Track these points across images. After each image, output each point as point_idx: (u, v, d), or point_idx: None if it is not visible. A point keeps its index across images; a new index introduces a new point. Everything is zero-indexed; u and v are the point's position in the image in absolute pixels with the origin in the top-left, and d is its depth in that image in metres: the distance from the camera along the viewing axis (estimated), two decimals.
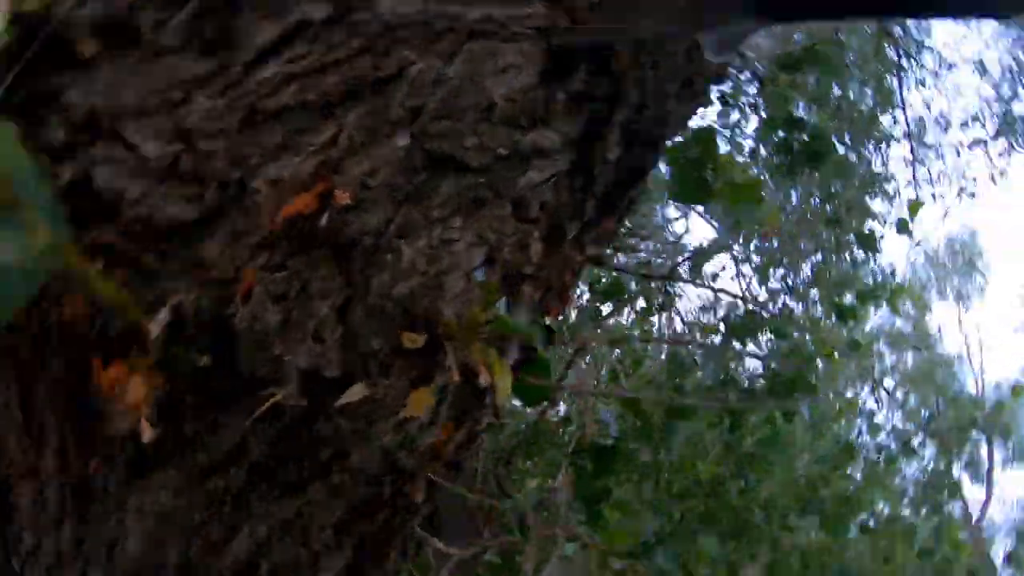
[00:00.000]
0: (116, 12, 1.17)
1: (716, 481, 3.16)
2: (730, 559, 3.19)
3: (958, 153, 8.93)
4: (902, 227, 3.74)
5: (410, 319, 1.24)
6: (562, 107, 1.34)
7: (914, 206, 3.72)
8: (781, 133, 2.11)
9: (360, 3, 1.23)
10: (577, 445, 1.84)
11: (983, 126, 8.93)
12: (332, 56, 1.19)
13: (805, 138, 2.11)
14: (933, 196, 8.70)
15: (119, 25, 1.16)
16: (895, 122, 6.89)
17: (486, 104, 1.27)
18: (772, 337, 3.55)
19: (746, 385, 3.34)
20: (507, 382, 1.23)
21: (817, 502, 3.86)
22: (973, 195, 9.45)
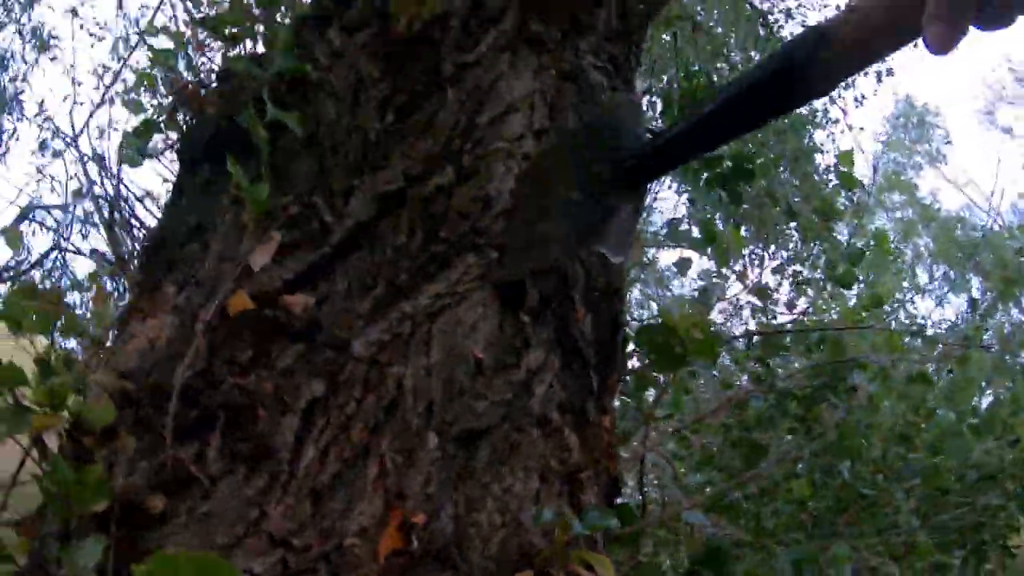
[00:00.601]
0: (166, 467, 1.38)
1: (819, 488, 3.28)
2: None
3: None
4: (847, 181, 3.91)
5: (512, 568, 1.46)
6: (530, 321, 1.55)
7: (844, 156, 3.89)
8: (705, 174, 2.28)
9: (338, 352, 1.44)
10: (688, 565, 2.01)
11: None
12: (345, 414, 1.40)
13: (728, 165, 2.28)
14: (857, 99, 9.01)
15: (175, 477, 1.38)
16: None
17: (474, 366, 1.48)
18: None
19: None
20: (609, 569, 1.45)
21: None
22: (891, 72, 9.72)
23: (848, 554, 2.50)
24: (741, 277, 2.48)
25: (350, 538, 1.37)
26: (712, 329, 1.61)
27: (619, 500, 1.76)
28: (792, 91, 1.38)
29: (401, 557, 1.38)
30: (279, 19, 1.57)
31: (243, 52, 1.53)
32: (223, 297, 1.40)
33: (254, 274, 1.44)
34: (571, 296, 1.61)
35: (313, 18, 1.68)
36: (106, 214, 1.72)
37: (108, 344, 1.45)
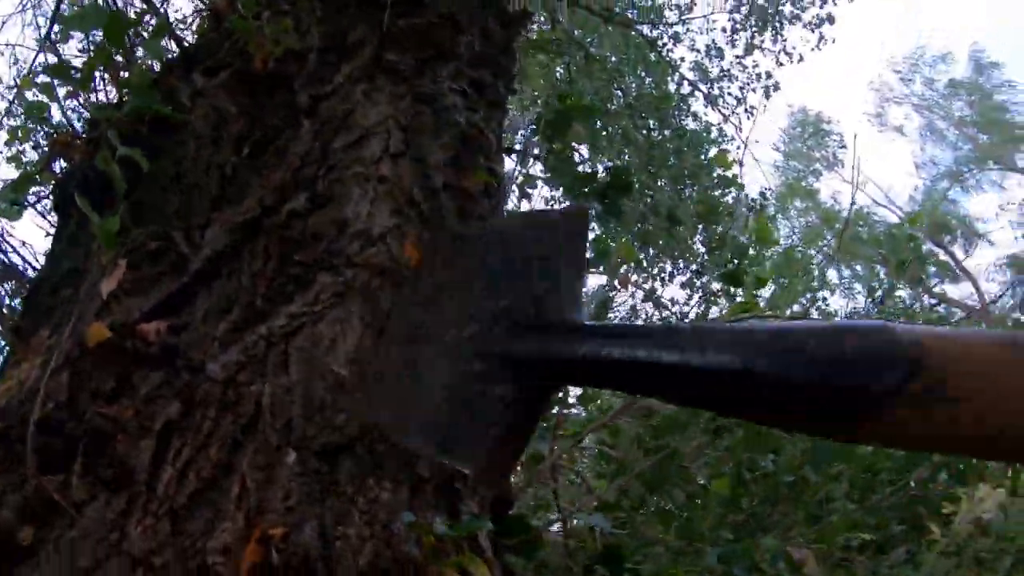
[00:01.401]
0: (32, 499, 1.46)
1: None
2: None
3: (743, 67, 9.48)
4: (731, 183, 4.01)
5: (386, 574, 1.50)
6: None
7: (720, 158, 3.99)
8: (585, 190, 2.35)
9: (193, 375, 1.52)
10: (586, 565, 2.04)
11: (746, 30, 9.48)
12: (203, 434, 1.47)
13: (607, 180, 2.36)
14: (750, 111, 9.21)
15: (42, 507, 1.45)
16: (680, 83, 7.51)
17: (333, 380, 1.55)
18: None
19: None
20: (484, 572, 1.49)
21: None
22: (778, 87, 9.95)
23: (777, 545, 2.50)
24: (622, 282, 2.52)
25: (212, 556, 1.43)
26: None
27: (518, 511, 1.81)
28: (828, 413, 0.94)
29: (263, 572, 1.43)
30: (142, 64, 1.70)
31: (106, 97, 1.65)
32: (79, 331, 1.49)
33: (114, 307, 1.53)
34: None
35: (180, 62, 1.81)
36: None
37: None
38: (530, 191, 2.48)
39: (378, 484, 1.55)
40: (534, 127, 2.28)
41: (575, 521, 2.24)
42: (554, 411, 2.48)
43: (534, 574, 1.90)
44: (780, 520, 3.21)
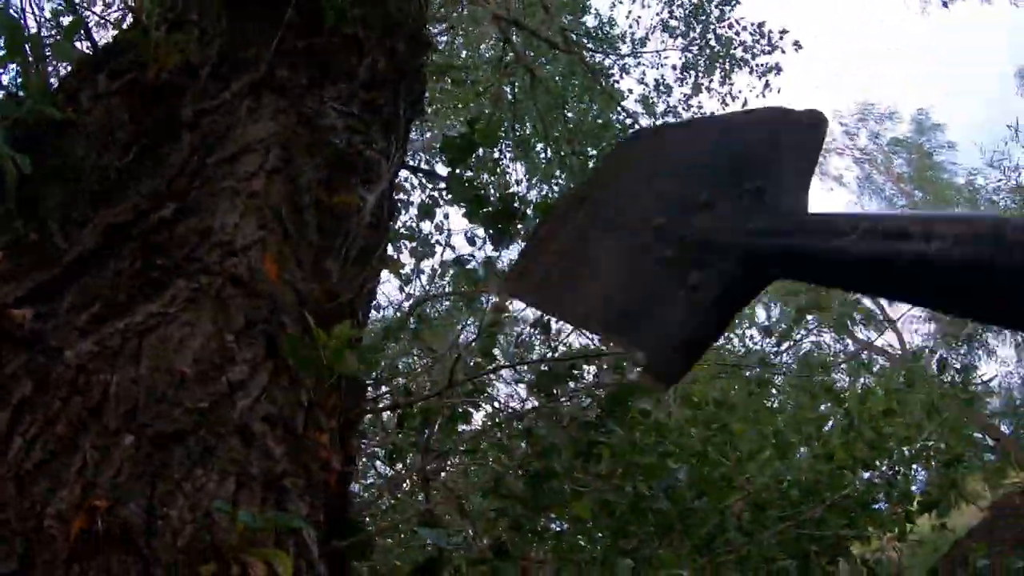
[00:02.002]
0: None
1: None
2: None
3: (689, 106, 9.47)
4: None
5: (200, 560, 1.72)
6: (235, 340, 1.82)
7: None
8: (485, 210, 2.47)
9: (51, 359, 1.74)
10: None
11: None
12: (52, 410, 1.69)
13: (499, 205, 2.47)
14: None
15: None
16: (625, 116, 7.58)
17: (179, 378, 1.76)
18: None
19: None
20: (288, 566, 1.70)
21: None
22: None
23: (629, 567, 2.67)
24: (497, 308, 2.66)
25: (48, 520, 1.66)
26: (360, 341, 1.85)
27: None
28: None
29: (90, 539, 1.66)
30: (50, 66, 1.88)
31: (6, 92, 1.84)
32: None
33: None
34: (281, 320, 1.87)
35: (89, 64, 1.99)
36: None
37: None
38: (435, 209, 2.64)
39: (206, 474, 1.76)
40: (439, 149, 2.41)
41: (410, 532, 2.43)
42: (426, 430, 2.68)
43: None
44: (667, 549, 3.37)
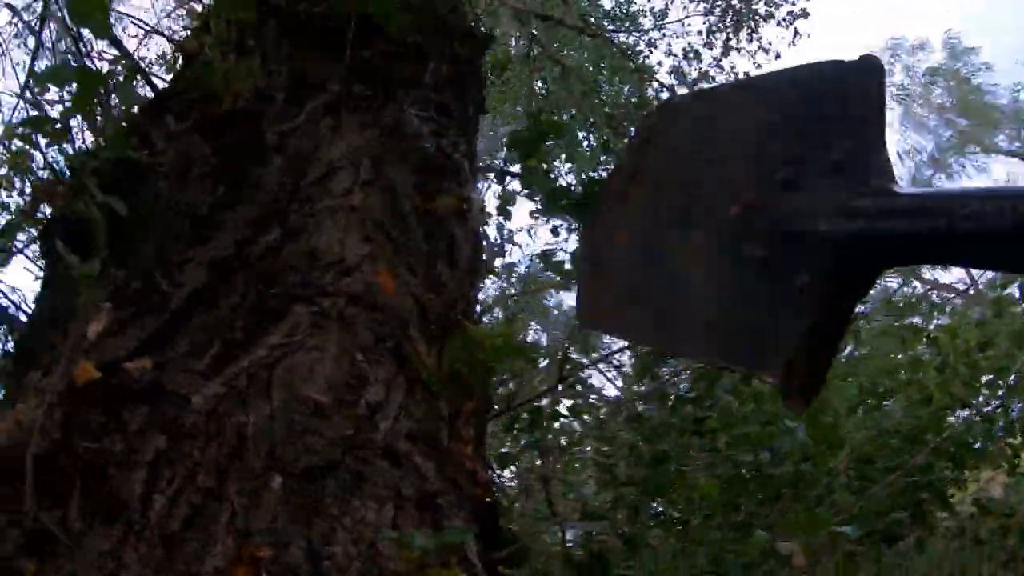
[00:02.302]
0: (33, 533, 1.56)
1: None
2: None
3: (721, 68, 9.57)
4: None
5: None
6: (365, 360, 1.73)
7: None
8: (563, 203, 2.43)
9: (179, 408, 1.62)
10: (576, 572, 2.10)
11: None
12: (190, 463, 1.58)
13: (580, 192, 2.45)
14: None
15: (43, 541, 1.56)
16: (659, 90, 7.66)
17: (316, 408, 1.66)
18: None
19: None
20: None
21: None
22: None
23: (767, 540, 2.57)
24: None
25: None
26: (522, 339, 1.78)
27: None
28: None
29: None
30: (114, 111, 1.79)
31: (83, 144, 1.75)
32: (67, 371, 1.60)
33: (100, 347, 1.64)
34: (408, 332, 1.78)
35: (151, 107, 1.91)
36: None
37: None
38: (509, 208, 2.59)
39: (362, 504, 1.65)
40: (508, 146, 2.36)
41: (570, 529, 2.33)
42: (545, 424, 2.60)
43: None
44: (778, 518, 3.28)
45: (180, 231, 1.74)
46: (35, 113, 1.68)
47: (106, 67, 1.80)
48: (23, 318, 2.00)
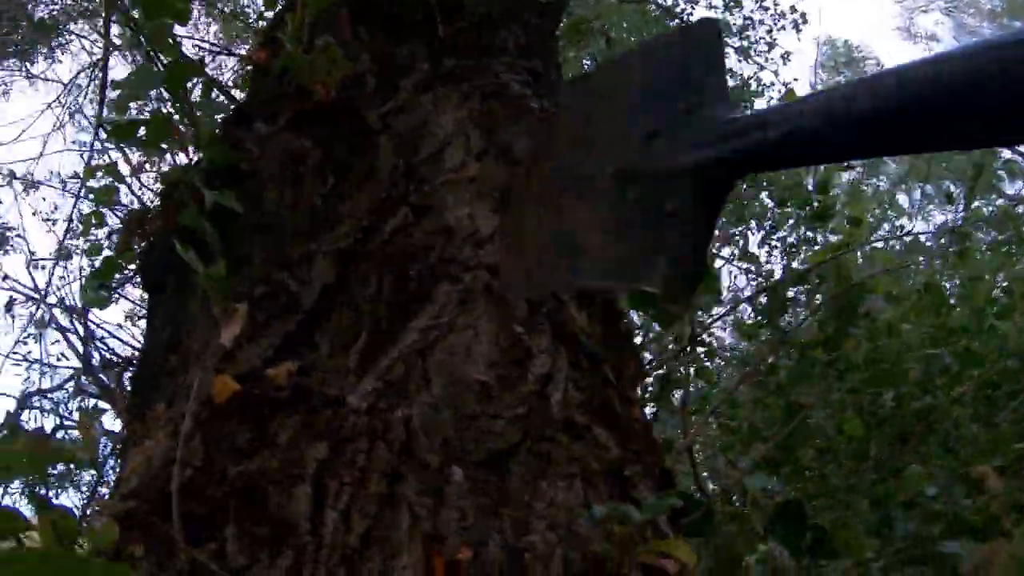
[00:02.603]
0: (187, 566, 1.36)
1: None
2: None
3: (765, 8, 9.45)
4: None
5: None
6: (525, 332, 1.56)
7: (789, 94, 4.12)
8: None
9: (335, 411, 1.44)
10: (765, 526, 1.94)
11: None
12: (358, 469, 1.38)
13: None
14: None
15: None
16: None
17: (479, 388, 1.48)
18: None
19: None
20: (688, 552, 1.40)
21: None
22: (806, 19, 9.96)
23: (918, 472, 2.40)
24: (722, 240, 2.50)
25: None
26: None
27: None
28: None
29: None
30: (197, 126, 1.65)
31: (175, 162, 1.61)
32: (204, 388, 1.42)
33: (234, 359, 1.46)
34: (559, 297, 1.62)
35: (236, 117, 1.79)
36: (80, 354, 1.77)
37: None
38: None
39: (550, 485, 1.46)
40: None
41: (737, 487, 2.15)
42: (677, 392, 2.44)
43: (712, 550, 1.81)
44: (911, 457, 3.09)
45: (296, 230, 1.58)
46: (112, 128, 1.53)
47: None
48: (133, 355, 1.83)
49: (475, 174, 1.65)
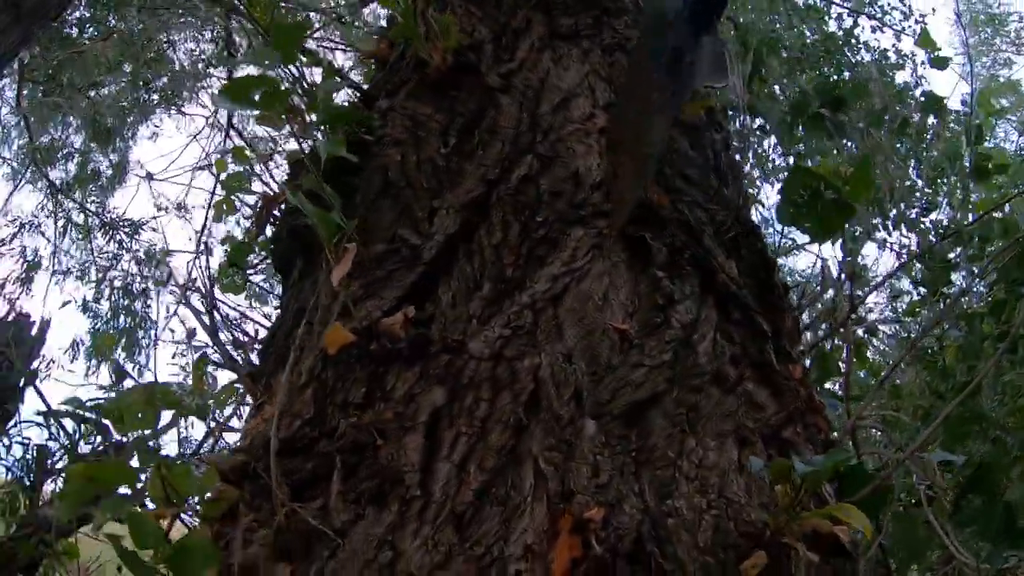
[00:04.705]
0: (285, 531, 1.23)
1: None
2: None
3: None
4: (938, 63, 3.92)
5: (737, 556, 1.19)
6: (666, 276, 1.39)
7: (937, 60, 3.91)
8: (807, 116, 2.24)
9: (454, 357, 1.31)
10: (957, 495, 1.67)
11: None
12: (477, 420, 1.24)
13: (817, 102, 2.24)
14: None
15: (298, 538, 1.22)
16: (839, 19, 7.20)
17: (618, 337, 1.32)
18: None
19: None
20: (863, 519, 1.16)
21: None
22: None
23: None
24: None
25: (514, 563, 1.15)
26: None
27: None
28: None
29: (583, 566, 1.14)
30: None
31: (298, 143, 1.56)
32: (319, 338, 1.33)
33: (352, 313, 1.37)
34: (703, 243, 1.44)
35: (362, 101, 1.76)
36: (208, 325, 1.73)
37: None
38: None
39: (700, 443, 1.26)
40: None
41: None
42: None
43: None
44: None
45: (419, 189, 1.50)
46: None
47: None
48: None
49: (604, 124, 1.54)
